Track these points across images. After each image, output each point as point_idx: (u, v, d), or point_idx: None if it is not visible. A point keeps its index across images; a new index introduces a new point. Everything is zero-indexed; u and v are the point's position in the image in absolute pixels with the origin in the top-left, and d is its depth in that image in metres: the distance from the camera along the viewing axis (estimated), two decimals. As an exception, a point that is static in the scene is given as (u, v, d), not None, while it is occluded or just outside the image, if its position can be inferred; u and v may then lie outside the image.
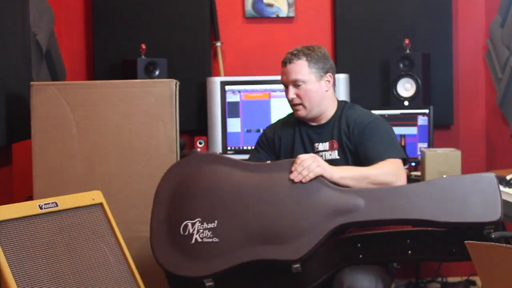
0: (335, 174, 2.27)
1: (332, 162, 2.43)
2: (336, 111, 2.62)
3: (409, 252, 2.23)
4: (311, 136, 2.62)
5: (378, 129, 2.52)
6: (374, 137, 2.48)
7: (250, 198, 2.21)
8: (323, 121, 2.61)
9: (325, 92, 2.57)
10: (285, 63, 2.57)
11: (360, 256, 2.24)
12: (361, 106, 2.69)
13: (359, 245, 2.25)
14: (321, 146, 2.58)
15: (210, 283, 2.12)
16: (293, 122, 2.68)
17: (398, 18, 3.99)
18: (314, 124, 2.63)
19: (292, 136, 2.66)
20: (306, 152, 2.56)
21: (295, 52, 2.57)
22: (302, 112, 2.57)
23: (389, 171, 2.36)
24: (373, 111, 3.69)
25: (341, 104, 2.65)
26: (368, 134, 2.50)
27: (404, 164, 2.48)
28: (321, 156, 2.52)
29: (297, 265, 2.09)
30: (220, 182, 2.27)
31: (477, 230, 2.10)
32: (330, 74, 2.59)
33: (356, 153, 2.52)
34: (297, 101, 2.56)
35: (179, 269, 2.16)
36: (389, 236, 2.29)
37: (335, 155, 2.55)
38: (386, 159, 2.41)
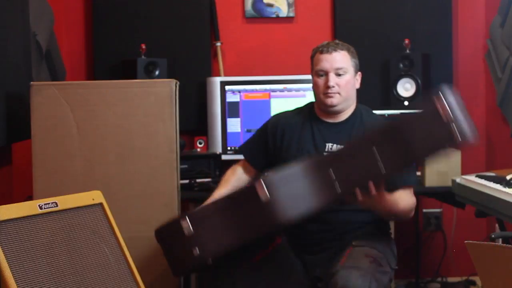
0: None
1: None
2: (355, 112, 2.63)
3: (379, 161, 2.13)
4: (324, 134, 2.59)
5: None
6: None
7: None
8: (341, 119, 2.61)
9: (355, 89, 2.62)
10: (328, 50, 2.57)
11: (337, 183, 2.16)
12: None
13: (330, 169, 2.18)
14: (335, 147, 2.55)
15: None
16: (305, 115, 2.66)
17: (398, 18, 3.99)
18: (329, 121, 2.61)
19: (299, 129, 2.62)
20: (315, 149, 2.55)
21: (337, 42, 2.62)
22: (336, 100, 2.55)
23: (411, 207, 2.50)
24: (373, 111, 3.73)
25: (359, 106, 2.66)
26: None
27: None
28: (330, 147, 2.54)
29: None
30: None
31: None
32: (360, 72, 2.64)
33: None
34: (336, 89, 2.54)
35: None
36: (354, 149, 2.24)
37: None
38: (409, 184, 2.51)
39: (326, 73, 2.55)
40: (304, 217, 2.17)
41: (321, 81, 2.57)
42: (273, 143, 2.66)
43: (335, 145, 2.55)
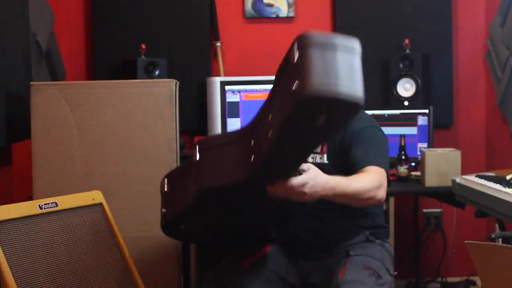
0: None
1: (320, 166, 2.17)
2: None
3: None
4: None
5: (372, 136, 2.38)
6: (366, 143, 2.35)
7: None
8: None
9: None
10: None
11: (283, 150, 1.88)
12: (363, 110, 2.58)
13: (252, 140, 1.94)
14: (319, 158, 2.45)
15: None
16: None
17: (398, 18, 3.99)
18: None
19: None
20: None
21: None
22: None
23: (373, 184, 2.15)
24: (373, 111, 3.74)
25: None
26: (360, 139, 2.36)
27: (388, 184, 2.28)
28: (312, 158, 2.43)
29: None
30: None
31: None
32: None
33: (346, 158, 2.35)
34: None
35: None
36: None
37: (324, 159, 2.44)
38: (372, 165, 2.25)
39: None
40: (225, 187, 1.97)
41: None
42: None
43: (318, 156, 2.43)
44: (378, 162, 2.27)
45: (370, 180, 2.17)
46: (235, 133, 2.07)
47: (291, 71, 1.82)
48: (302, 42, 1.81)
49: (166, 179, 2.24)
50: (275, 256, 2.45)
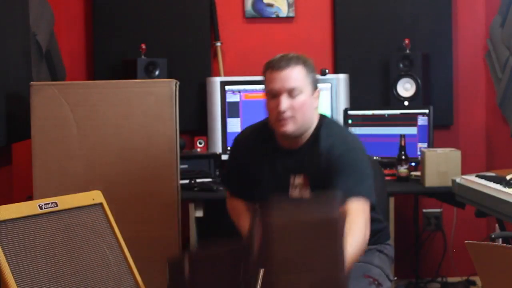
0: None
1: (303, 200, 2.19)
2: (314, 135, 2.27)
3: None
4: (287, 164, 2.28)
5: (350, 161, 2.20)
6: (345, 171, 2.17)
7: None
8: (300, 143, 2.28)
9: (314, 108, 2.26)
10: (279, 67, 2.18)
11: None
12: (339, 124, 2.42)
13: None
14: (297, 179, 2.27)
15: None
16: (265, 138, 2.33)
17: (398, 18, 3.99)
18: (288, 147, 2.29)
19: (260, 157, 2.32)
20: (281, 181, 2.26)
21: (290, 56, 2.22)
22: (290, 127, 2.19)
23: (359, 241, 2.04)
24: (373, 111, 3.74)
25: (320, 127, 2.29)
26: (339, 167, 2.18)
27: (372, 209, 2.18)
28: (300, 192, 2.26)
29: None
30: None
31: None
32: (318, 89, 2.28)
33: (327, 186, 2.17)
34: (289, 114, 2.18)
35: None
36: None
37: (307, 193, 2.26)
38: (354, 197, 2.11)
39: (278, 95, 2.18)
40: None
41: (273, 103, 2.19)
42: (243, 169, 2.42)
43: (297, 176, 2.27)
44: (359, 191, 2.14)
45: (358, 237, 2.05)
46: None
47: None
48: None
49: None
50: None
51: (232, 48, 4.05)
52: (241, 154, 2.42)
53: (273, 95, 2.20)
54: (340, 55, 4.01)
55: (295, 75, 2.18)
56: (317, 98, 2.26)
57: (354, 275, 2.24)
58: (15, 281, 1.96)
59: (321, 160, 2.22)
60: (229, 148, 3.76)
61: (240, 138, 2.47)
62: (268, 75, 2.21)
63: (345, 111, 3.75)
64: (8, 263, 1.97)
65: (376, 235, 2.46)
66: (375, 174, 2.44)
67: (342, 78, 3.78)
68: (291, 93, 2.18)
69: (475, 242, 1.56)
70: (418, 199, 3.96)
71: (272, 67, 2.20)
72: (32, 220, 2.13)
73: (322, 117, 2.33)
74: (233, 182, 2.50)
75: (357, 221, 2.07)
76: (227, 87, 3.78)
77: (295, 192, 2.27)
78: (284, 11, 4.03)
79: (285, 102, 2.17)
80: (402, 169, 3.41)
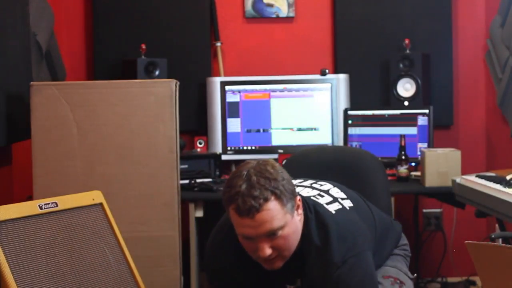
0: None
1: None
2: (303, 245, 1.95)
3: None
4: (279, 274, 1.97)
5: (348, 283, 1.90)
6: None
7: None
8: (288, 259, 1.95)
9: (300, 224, 1.93)
10: (249, 212, 1.79)
11: None
12: (327, 211, 1.99)
13: None
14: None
15: None
16: (248, 261, 1.95)
17: (398, 18, 3.99)
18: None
19: (253, 279, 2.02)
20: None
21: (256, 193, 1.79)
22: (279, 263, 1.90)
23: None
24: (373, 111, 3.74)
25: (308, 238, 1.94)
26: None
27: None
28: None
29: None
30: None
31: None
32: (297, 196, 1.93)
33: None
34: (274, 255, 1.86)
35: None
36: None
37: None
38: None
39: (254, 239, 1.85)
40: None
41: (250, 245, 1.87)
42: None
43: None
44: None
45: None
46: None
47: None
48: None
49: None
50: None
51: (232, 48, 4.05)
52: (228, 273, 2.04)
53: (248, 240, 1.87)
54: (340, 55, 4.01)
55: (270, 216, 1.81)
56: (298, 208, 1.92)
57: None
58: (15, 281, 1.96)
59: (313, 273, 1.95)
60: (229, 147, 3.76)
61: (219, 269, 2.05)
62: (235, 218, 1.84)
63: (345, 111, 3.75)
64: (8, 263, 1.97)
65: (392, 233, 2.33)
66: (379, 176, 2.46)
67: (342, 78, 3.78)
68: (271, 235, 1.84)
69: (475, 242, 1.56)
70: (418, 199, 3.96)
71: (239, 212, 1.81)
72: (32, 220, 2.13)
73: (306, 216, 1.97)
74: None
75: None
76: (227, 87, 3.78)
77: None
78: (284, 11, 4.03)
79: (266, 248, 1.84)
80: (402, 169, 3.41)
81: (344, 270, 1.89)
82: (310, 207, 1.97)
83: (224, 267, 2.01)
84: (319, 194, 2.09)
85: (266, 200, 1.79)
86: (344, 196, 2.13)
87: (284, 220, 1.83)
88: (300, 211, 1.92)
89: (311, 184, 2.19)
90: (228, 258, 2.00)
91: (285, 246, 1.87)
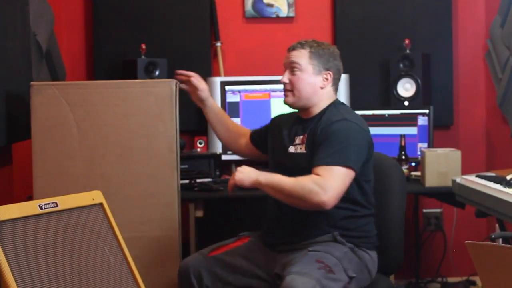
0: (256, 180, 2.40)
1: (300, 156, 2.50)
2: (324, 109, 2.56)
3: None
4: (294, 129, 2.60)
5: (337, 132, 2.44)
6: (328, 139, 2.42)
7: None
8: (311, 115, 2.57)
9: (319, 88, 2.54)
10: (290, 48, 2.58)
11: None
12: (350, 109, 2.66)
13: None
14: (298, 139, 2.56)
15: None
16: (293, 116, 2.67)
17: (398, 18, 3.99)
18: (303, 117, 2.60)
19: (288, 127, 2.65)
20: (289, 142, 2.58)
21: (303, 41, 2.59)
22: (289, 99, 2.56)
23: (309, 186, 2.31)
24: (373, 111, 3.74)
25: (332, 103, 2.58)
26: (326, 135, 2.44)
27: (357, 175, 2.41)
28: (294, 148, 2.55)
29: None
30: None
31: None
32: (330, 72, 2.57)
33: (314, 148, 2.48)
34: (288, 87, 2.55)
35: None
36: None
37: (303, 149, 2.52)
38: (321, 165, 2.36)
39: (284, 70, 2.59)
40: None
41: (283, 75, 2.59)
42: (270, 138, 2.74)
43: (298, 137, 2.56)
44: (332, 160, 2.36)
45: (304, 184, 2.32)
46: None
47: None
48: None
49: None
50: (253, 245, 2.57)
51: (232, 48, 4.05)
52: (276, 120, 2.78)
53: (284, 65, 2.60)
54: (340, 55, 3.99)
55: (297, 56, 2.55)
56: (324, 80, 2.55)
57: (307, 260, 2.32)
58: (15, 281, 1.96)
59: (318, 126, 2.48)
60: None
61: (282, 114, 2.80)
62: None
63: (345, 111, 3.75)
64: (8, 263, 1.97)
65: (365, 238, 2.50)
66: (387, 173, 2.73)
67: (342, 78, 3.74)
68: (292, 69, 2.55)
69: (475, 242, 1.56)
70: (418, 199, 3.96)
71: (288, 48, 2.61)
72: (32, 220, 2.13)
73: (337, 101, 2.61)
74: (258, 129, 2.86)
75: (310, 178, 2.33)
76: (227, 87, 3.78)
77: (294, 148, 2.56)
78: (284, 11, 4.03)
79: (285, 75, 2.56)
80: (402, 169, 3.41)
81: (339, 122, 2.45)
82: (341, 105, 2.60)
83: (275, 118, 2.80)
84: None
85: (302, 47, 2.56)
86: None
87: (304, 67, 2.53)
88: (327, 83, 2.55)
89: None
90: (287, 113, 2.73)
91: (297, 86, 2.53)
